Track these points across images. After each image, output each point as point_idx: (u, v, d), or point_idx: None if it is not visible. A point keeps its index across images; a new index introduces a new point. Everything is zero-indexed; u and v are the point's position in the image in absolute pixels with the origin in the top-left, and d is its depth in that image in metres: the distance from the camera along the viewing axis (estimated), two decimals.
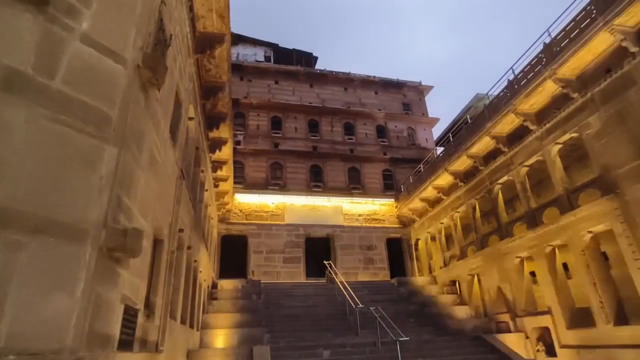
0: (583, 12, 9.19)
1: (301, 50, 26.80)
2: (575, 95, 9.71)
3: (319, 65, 25.76)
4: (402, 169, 21.52)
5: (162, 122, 4.96)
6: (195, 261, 9.25)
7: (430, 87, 25.38)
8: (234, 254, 18.22)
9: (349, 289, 12.49)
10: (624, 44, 8.26)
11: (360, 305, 11.35)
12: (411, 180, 18.97)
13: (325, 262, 15.98)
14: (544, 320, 10.74)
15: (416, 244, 19.32)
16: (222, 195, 16.03)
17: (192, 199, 8.53)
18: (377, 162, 21.51)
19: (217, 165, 13.45)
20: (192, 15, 7.18)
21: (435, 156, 17.99)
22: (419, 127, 23.80)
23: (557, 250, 10.84)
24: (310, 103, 22.47)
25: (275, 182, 19.74)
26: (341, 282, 13.19)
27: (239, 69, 21.98)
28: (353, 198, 19.99)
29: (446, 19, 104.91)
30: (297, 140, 21.20)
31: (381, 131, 22.91)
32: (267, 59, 25.44)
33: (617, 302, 9.07)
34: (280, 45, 26.46)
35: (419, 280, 17.04)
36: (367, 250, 19.05)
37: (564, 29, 9.70)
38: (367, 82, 24.38)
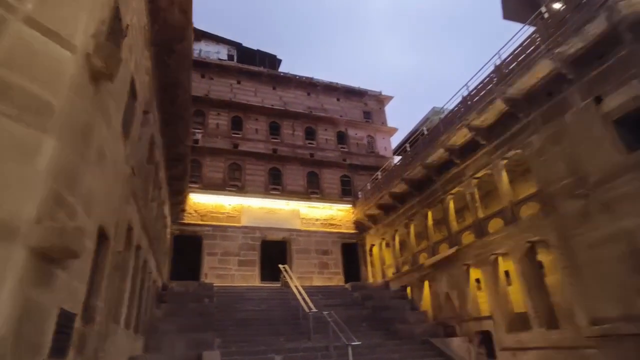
0: (529, 40, 9.91)
1: (265, 51, 26.63)
2: (520, 115, 10.41)
3: (283, 68, 25.76)
4: (360, 175, 21.93)
5: (113, 116, 4.72)
6: (144, 262, 8.84)
7: (390, 98, 26.13)
8: (187, 255, 17.62)
9: (303, 294, 12.48)
10: (563, 70, 8.98)
11: (314, 310, 11.37)
12: (369, 187, 19.38)
13: (280, 265, 15.87)
14: (485, 325, 11.34)
15: (371, 250, 19.72)
16: (177, 195, 15.48)
17: (144, 197, 8.17)
18: (336, 167, 21.76)
19: (173, 163, 12.99)
20: (152, 7, 6.92)
21: (393, 165, 18.53)
22: (378, 135, 24.40)
23: (500, 258, 11.52)
24: (273, 105, 22.35)
25: (233, 183, 19.37)
26: (296, 287, 13.16)
27: (200, 65, 21.43)
28: (311, 202, 20.07)
29: (408, 35, 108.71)
30: (257, 142, 20.97)
31: (341, 137, 23.23)
32: (230, 57, 25.02)
33: (549, 307, 9.78)
34: (245, 44, 26.13)
35: (373, 285, 17.38)
36: (323, 255, 19.17)
37: (512, 53, 10.40)
38: (330, 89, 24.67)
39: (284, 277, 15.11)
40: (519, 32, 10.62)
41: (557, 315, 9.56)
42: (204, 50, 23.57)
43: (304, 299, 12.13)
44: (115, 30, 4.30)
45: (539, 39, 9.51)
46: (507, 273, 12.35)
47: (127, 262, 6.79)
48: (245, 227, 18.36)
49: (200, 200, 18.28)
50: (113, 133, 4.78)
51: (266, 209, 19.19)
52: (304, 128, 22.45)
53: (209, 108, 20.80)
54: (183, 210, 17.27)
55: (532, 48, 9.68)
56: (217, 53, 24.38)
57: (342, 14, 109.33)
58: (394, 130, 25.02)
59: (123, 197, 5.92)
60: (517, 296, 11.10)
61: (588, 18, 8.12)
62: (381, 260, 18.63)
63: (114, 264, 5.48)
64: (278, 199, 19.58)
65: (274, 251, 18.56)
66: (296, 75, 24.02)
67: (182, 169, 13.67)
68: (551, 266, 10.37)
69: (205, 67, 21.95)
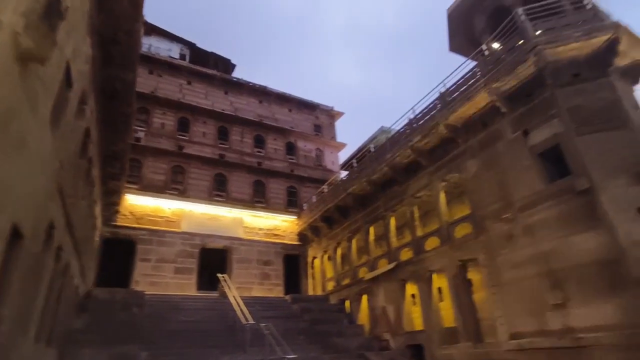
0: (470, 73, 10.72)
1: (220, 55, 26.08)
2: (459, 140, 11.15)
3: (237, 74, 25.34)
4: (306, 187, 22.03)
5: (42, 103, 4.32)
6: (66, 265, 8.07)
7: (341, 114, 26.73)
8: (117, 261, 16.42)
9: (241, 304, 12.13)
10: (497, 104, 9.80)
11: (251, 322, 11.07)
12: (314, 200, 19.50)
13: (219, 275, 15.31)
14: (418, 339, 11.78)
15: (313, 262, 19.75)
16: (111, 195, 14.43)
17: (72, 195, 7.51)
18: (283, 178, 21.69)
19: (110, 161, 12.13)
20: None
21: (339, 179, 18.86)
22: (327, 149, 24.78)
23: (434, 275, 12.09)
24: (223, 110, 21.85)
25: (175, 187, 18.53)
26: (234, 297, 12.76)
27: (149, 61, 20.46)
28: (256, 211, 19.74)
29: (362, 52, 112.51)
30: (204, 145, 20.32)
31: (291, 148, 23.25)
32: (182, 57, 24.16)
33: (476, 322, 10.41)
34: (198, 45, 25.40)
35: (313, 297, 17.36)
36: (264, 266, 18.85)
37: (455, 83, 11.17)
38: (283, 99, 24.70)
39: (222, 286, 14.61)
40: (462, 65, 11.47)
41: (482, 330, 10.19)
42: (154, 45, 22.55)
43: (241, 310, 11.79)
44: (52, 11, 3.98)
45: (479, 73, 10.32)
46: (439, 289, 12.98)
47: (44, 264, 6.15)
48: (185, 233, 17.56)
49: (137, 202, 17.22)
50: (40, 122, 4.37)
51: (208, 216, 18.54)
52: (254, 136, 22.18)
53: (154, 106, 19.84)
54: (117, 212, 16.12)
55: (472, 81, 10.46)
56: (168, 50, 23.43)
57: (298, 26, 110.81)
58: (342, 146, 25.56)
59: (47, 192, 5.40)
60: (448, 312, 11.68)
61: (520, 60, 8.99)
62: (322, 273, 18.71)
63: (27, 267, 4.94)
64: (221, 205, 19.02)
65: (213, 259, 17.91)
66: (249, 82, 23.77)
67: (120, 168, 12.81)
68: (479, 284, 11.06)
69: (155, 64, 20.99)
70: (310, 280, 19.65)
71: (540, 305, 8.27)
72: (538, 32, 8.90)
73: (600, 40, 8.39)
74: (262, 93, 23.97)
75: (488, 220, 9.98)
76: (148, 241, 16.68)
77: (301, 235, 20.24)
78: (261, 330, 10.43)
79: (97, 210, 13.36)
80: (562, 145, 8.55)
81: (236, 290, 13.96)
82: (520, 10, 9.53)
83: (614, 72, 8.65)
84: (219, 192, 19.50)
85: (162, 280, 16.28)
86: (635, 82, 9.32)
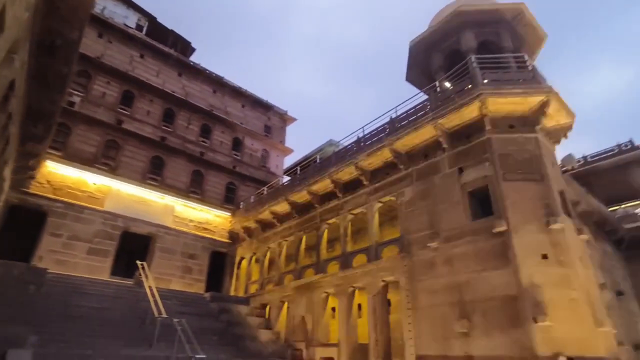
0: (421, 105, 11.35)
1: (180, 35, 24.95)
2: (401, 166, 11.69)
3: (195, 59, 24.38)
4: (246, 186, 21.65)
5: None
6: None
7: (294, 119, 26.79)
8: (20, 231, 14.77)
9: (157, 296, 11.48)
10: (441, 139, 10.47)
11: (164, 315, 10.51)
12: (252, 200, 19.19)
13: (138, 262, 14.37)
14: (331, 352, 11.95)
15: (240, 262, 19.34)
16: (28, 157, 12.97)
17: None
18: (224, 172, 21.12)
19: (33, 120, 10.94)
20: None
21: (280, 184, 18.79)
22: (274, 152, 24.63)
23: (357, 291, 12.42)
24: (173, 92, 20.85)
25: (105, 162, 17.21)
26: (150, 287, 12.04)
27: (100, 23, 19.01)
28: (189, 202, 18.95)
29: (325, 66, 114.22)
30: (145, 124, 19.16)
31: (237, 144, 22.77)
32: (139, 28, 22.77)
33: (388, 341, 10.84)
34: (159, 20, 24.10)
35: (233, 298, 16.93)
36: (189, 259, 18.09)
37: (406, 112, 11.75)
38: (238, 93, 24.19)
39: (139, 275, 13.73)
40: (415, 96, 12.13)
41: (393, 350, 10.63)
42: (109, 9, 20.98)
43: (155, 301, 11.15)
44: None
45: (428, 107, 10.96)
46: (359, 306, 13.35)
47: None
48: (108, 212, 16.31)
49: (58, 171, 15.69)
50: None
51: (137, 198, 17.42)
52: (201, 124, 21.39)
53: (98, 73, 18.36)
54: (32, 178, 14.52)
55: (421, 113, 11.08)
56: (124, 17, 21.94)
57: (265, 26, 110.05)
58: (289, 151, 25.57)
59: None
60: (364, 328, 12.02)
61: (466, 103, 9.70)
62: (248, 274, 18.38)
63: None
64: (154, 190, 17.99)
65: (135, 245, 16.82)
66: (206, 70, 22.97)
67: (44, 130, 11.59)
68: (397, 305, 11.56)
69: (106, 28, 19.49)
70: (234, 281, 19.18)
71: (448, 332, 8.85)
72: (485, 81, 9.70)
73: (535, 100, 9.35)
74: (217, 83, 23.28)
75: (414, 246, 10.52)
76: (62, 215, 15.23)
77: (232, 234, 19.76)
78: (173, 326, 9.93)
79: (7, 171, 11.98)
80: (489, 187, 9.33)
81: (154, 280, 13.22)
82: (473, 57, 10.34)
83: (540, 131, 9.67)
84: (153, 176, 18.45)
85: (71, 259, 14.90)
86: (557, 142, 10.50)
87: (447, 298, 9.15)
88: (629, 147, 18.35)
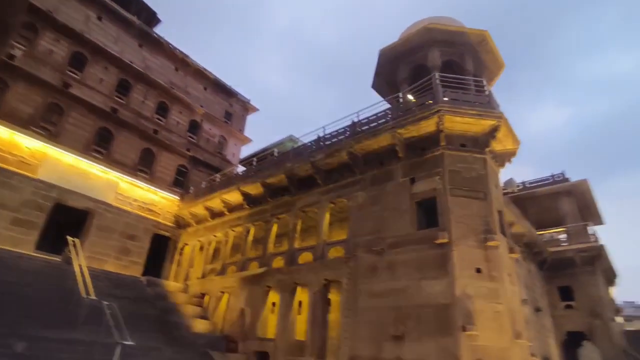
0: (383, 112, 11.64)
1: (146, 3, 23.54)
2: (357, 170, 11.92)
3: (159, 31, 23.07)
4: (199, 171, 21.00)
5: None
6: None
7: (256, 109, 26.37)
8: None
9: (86, 276, 10.77)
10: (397, 148, 10.81)
11: (93, 297, 9.90)
12: (203, 186, 18.63)
13: (70, 238, 13.39)
14: (267, 346, 11.93)
15: (183, 248, 18.72)
16: None
17: None
18: (177, 154, 20.31)
19: None
20: None
21: (235, 173, 18.42)
22: (232, 140, 24.10)
23: (299, 288, 12.49)
24: (132, 62, 19.67)
25: (45, 126, 15.87)
26: (80, 266, 11.28)
27: None
28: (136, 180, 18.00)
29: (292, 60, 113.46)
30: (96, 92, 17.91)
31: (194, 127, 22.00)
32: None
33: (324, 340, 11.01)
34: None
35: (172, 285, 16.35)
36: (128, 240, 17.18)
37: (368, 117, 11.97)
38: (201, 74, 23.35)
39: (69, 252, 12.81)
40: (378, 103, 12.41)
41: (328, 349, 10.81)
42: None
43: (84, 282, 10.47)
44: None
45: (389, 116, 11.26)
46: (300, 303, 13.43)
47: None
48: (41, 181, 15.05)
49: None
50: None
51: (78, 169, 16.24)
52: (158, 101, 20.39)
53: (47, 28, 16.87)
54: None
55: (382, 121, 11.35)
56: None
57: (239, 12, 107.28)
58: (248, 140, 25.14)
59: None
60: (302, 326, 12.12)
61: (425, 117, 10.08)
62: (190, 262, 17.84)
63: None
64: (98, 163, 16.87)
65: (69, 220, 15.66)
66: (171, 45, 21.93)
67: None
68: (337, 305, 11.78)
69: None
70: (174, 267, 18.52)
71: (382, 335, 9.16)
72: (445, 99, 10.14)
73: (487, 123, 9.93)
74: (181, 61, 22.31)
75: (360, 249, 10.77)
76: None
77: (179, 218, 19.07)
78: (102, 309, 9.38)
79: None
80: (437, 200, 9.77)
81: (86, 259, 12.41)
82: (437, 74, 10.77)
83: (489, 153, 10.30)
84: (98, 148, 17.33)
85: None
86: (502, 166, 11.23)
87: (386, 302, 9.47)
88: (560, 178, 20.05)
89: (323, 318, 11.34)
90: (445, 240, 8.96)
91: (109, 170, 17.10)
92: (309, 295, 11.68)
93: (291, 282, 12.34)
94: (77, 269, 11.18)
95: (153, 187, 18.59)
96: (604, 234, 18.67)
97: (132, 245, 17.25)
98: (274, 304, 13.76)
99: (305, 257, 12.54)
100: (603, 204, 21.00)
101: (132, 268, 16.91)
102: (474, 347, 7.88)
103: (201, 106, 22.42)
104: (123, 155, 18.01)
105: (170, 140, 20.13)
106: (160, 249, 18.63)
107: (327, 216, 12.67)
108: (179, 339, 11.72)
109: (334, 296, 12.71)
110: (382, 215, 10.73)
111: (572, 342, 16.92)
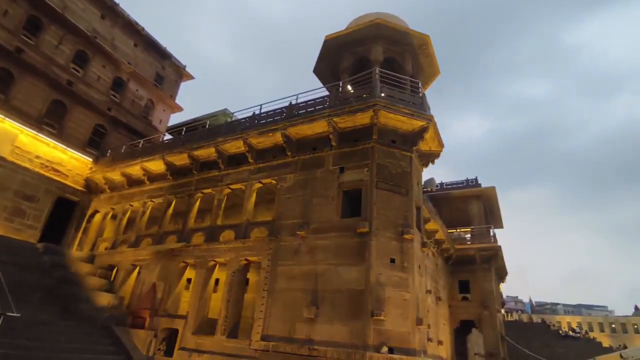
0: (321, 99, 11.63)
1: None
2: (289, 153, 11.81)
3: None
4: (119, 134, 19.24)
5: None
6: None
7: (191, 77, 24.79)
8: None
9: None
10: (331, 136, 10.92)
11: None
12: (123, 151, 17.13)
13: None
14: (177, 323, 11.49)
15: (93, 216, 17.14)
16: None
17: None
18: (95, 112, 18.29)
19: None
20: None
21: (161, 141, 17.21)
22: (160, 106, 22.42)
23: (218, 266, 12.17)
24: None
25: None
26: None
27: None
28: (40, 134, 15.88)
29: (237, 32, 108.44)
30: None
31: (119, 85, 19.98)
32: None
33: (237, 319, 10.92)
34: None
35: (74, 254, 14.91)
36: (24, 200, 15.23)
37: (306, 102, 11.87)
38: (132, 29, 21.15)
39: None
40: (317, 90, 12.34)
41: (241, 327, 10.74)
42: None
43: None
44: None
45: (327, 103, 11.29)
46: (217, 280, 13.12)
47: None
48: None
49: None
50: None
51: None
52: (76, 49, 18.07)
53: None
54: None
55: (320, 107, 11.34)
56: None
57: None
58: (178, 109, 23.59)
59: None
60: (217, 304, 11.88)
61: (361, 109, 10.29)
62: (99, 231, 16.43)
63: None
64: None
65: None
66: None
67: None
68: (255, 285, 11.73)
69: None
70: (80, 235, 16.91)
71: (296, 316, 9.32)
72: (382, 95, 10.43)
73: (418, 123, 10.44)
74: (109, 8, 19.95)
75: (284, 232, 10.78)
76: None
77: (90, 182, 17.36)
78: None
79: None
80: (363, 191, 10.10)
81: None
82: (378, 69, 11.02)
83: (415, 151, 10.87)
84: None
85: None
86: (425, 166, 11.95)
87: (303, 285, 9.64)
88: (473, 183, 22.07)
89: (239, 297, 11.23)
90: (366, 230, 9.32)
91: (5, 118, 14.84)
92: (228, 274, 11.45)
93: (210, 260, 11.98)
94: None
95: (62, 145, 16.59)
96: (500, 237, 21.02)
97: (28, 207, 15.33)
98: (189, 280, 13.26)
99: (227, 236, 12.23)
100: (507, 210, 23.59)
101: (27, 232, 15.07)
102: (380, 330, 8.38)
103: (129, 63, 20.41)
104: (26, 103, 15.73)
105: (87, 95, 18.04)
106: (64, 214, 16.82)
107: (254, 196, 12.45)
108: (76, 313, 10.76)
109: (252, 276, 12.63)
110: (309, 200, 10.81)
111: (463, 329, 18.98)
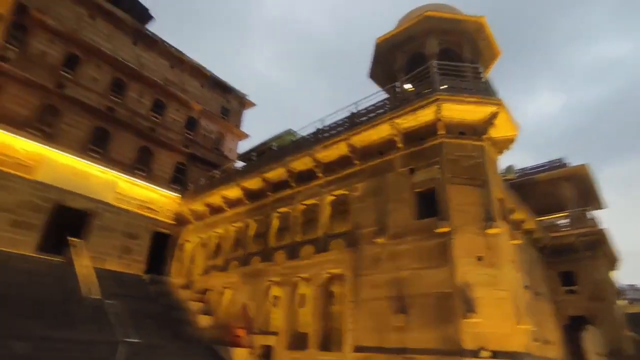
0: (381, 103, 11.56)
1: (138, 0, 23.27)
2: (356, 162, 11.86)
3: (153, 30, 22.87)
4: (197, 168, 20.95)
5: None
6: None
7: (253, 104, 26.23)
8: None
9: (89, 275, 10.81)
10: (396, 138, 10.75)
11: (95, 296, 9.93)
12: (202, 182, 18.60)
13: (71, 238, 13.40)
14: (271, 340, 11.98)
15: (184, 245, 18.74)
16: None
17: None
18: (175, 152, 20.24)
19: None
20: None
21: (233, 168, 18.37)
22: (229, 136, 24.01)
23: (301, 281, 12.51)
24: (125, 60, 19.50)
25: (40, 127, 15.79)
26: (83, 266, 11.30)
27: None
28: (134, 179, 17.94)
29: (285, 51, 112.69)
30: (91, 91, 17.80)
31: (191, 124, 21.89)
32: None
33: (328, 332, 11.06)
34: None
35: (175, 282, 16.41)
36: (129, 239, 17.19)
37: (366, 108, 11.89)
38: (197, 71, 23.17)
39: (72, 252, 12.83)
40: (376, 94, 12.30)
41: (332, 340, 10.86)
42: None
43: (87, 281, 10.49)
44: None
45: (387, 106, 11.18)
46: (303, 296, 13.46)
47: None
48: (39, 182, 14.98)
49: None
50: None
51: (76, 170, 16.17)
52: (154, 99, 20.27)
53: (37, 29, 16.69)
54: None
55: (381, 111, 11.27)
56: None
57: (230, 4, 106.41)
58: (245, 136, 25.05)
59: None
60: (306, 318, 12.17)
61: (422, 105, 10.01)
62: (192, 258, 17.87)
63: None
64: (96, 163, 16.81)
65: (70, 221, 15.62)
66: (165, 42, 21.73)
67: None
68: (340, 297, 11.81)
69: None
70: (176, 264, 18.56)
71: (385, 325, 9.18)
72: (443, 87, 10.06)
73: (486, 110, 9.87)
74: (176, 58, 22.13)
75: (362, 241, 10.77)
76: None
77: (179, 215, 19.06)
78: (104, 308, 9.43)
79: None
80: (436, 189, 9.74)
81: (89, 259, 12.41)
82: (434, 63, 10.68)
83: (487, 140, 10.24)
84: (96, 148, 17.26)
85: None
86: (500, 153, 11.19)
87: (388, 293, 9.48)
88: (559, 164, 20.02)
89: (326, 311, 11.38)
90: (446, 229, 8.95)
91: (107, 169, 17.05)
92: (313, 289, 11.70)
93: (294, 276, 12.35)
94: (79, 268, 11.21)
95: (152, 185, 18.56)
96: (605, 219, 18.68)
97: (133, 244, 17.27)
98: (276, 297, 13.80)
99: (307, 251, 12.53)
100: (604, 189, 20.98)
101: (134, 266, 16.94)
102: (476, 334, 7.90)
103: (198, 103, 22.30)
104: (121, 154, 17.95)
105: (167, 138, 20.06)
106: (160, 246, 18.65)
107: (328, 208, 12.65)
108: (184, 335, 11.79)
109: (337, 288, 12.73)
110: (383, 207, 10.70)
111: (574, 327, 17.04)
